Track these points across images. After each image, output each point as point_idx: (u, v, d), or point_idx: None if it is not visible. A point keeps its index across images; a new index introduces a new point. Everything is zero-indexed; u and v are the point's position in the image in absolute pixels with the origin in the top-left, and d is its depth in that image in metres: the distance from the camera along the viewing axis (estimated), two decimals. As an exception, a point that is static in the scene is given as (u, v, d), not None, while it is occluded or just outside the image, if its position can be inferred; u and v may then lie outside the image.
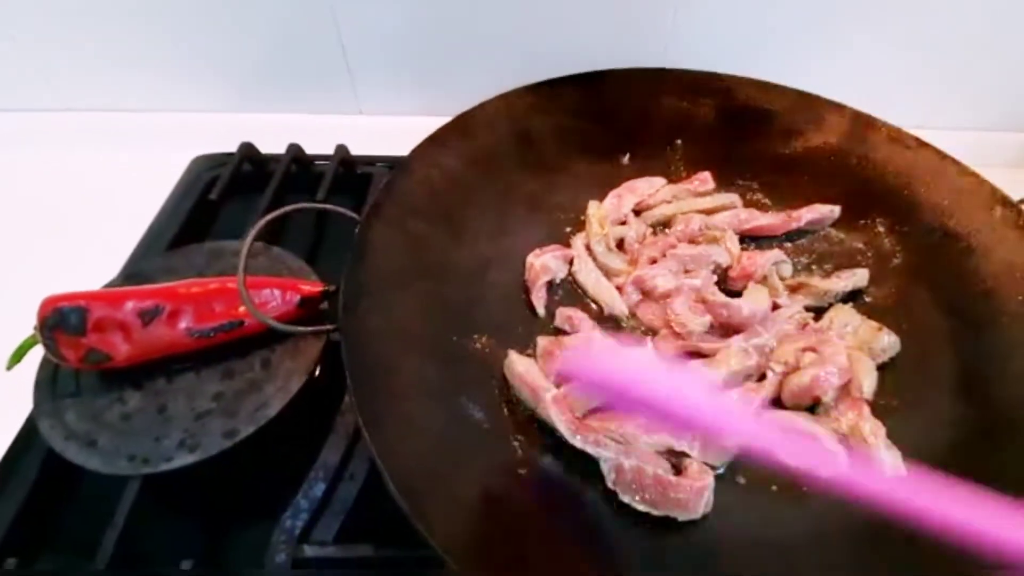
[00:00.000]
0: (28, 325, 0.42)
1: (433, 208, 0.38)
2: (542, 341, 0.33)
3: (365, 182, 0.55)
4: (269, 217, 0.35)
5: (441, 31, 0.56)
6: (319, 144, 0.56)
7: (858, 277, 0.38)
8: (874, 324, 0.36)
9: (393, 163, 0.56)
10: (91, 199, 0.55)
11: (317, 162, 0.56)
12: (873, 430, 0.30)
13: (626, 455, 0.27)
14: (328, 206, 0.41)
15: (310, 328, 0.33)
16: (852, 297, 0.39)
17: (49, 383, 0.34)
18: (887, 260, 0.40)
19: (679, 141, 0.47)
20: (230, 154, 0.57)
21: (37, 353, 0.34)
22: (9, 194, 0.56)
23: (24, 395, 0.35)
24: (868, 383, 0.32)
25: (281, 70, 0.61)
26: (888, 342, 0.35)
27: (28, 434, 0.35)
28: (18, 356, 0.33)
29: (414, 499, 0.23)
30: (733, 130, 0.46)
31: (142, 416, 0.33)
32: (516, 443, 0.29)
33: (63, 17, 0.56)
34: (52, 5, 0.55)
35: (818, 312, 0.38)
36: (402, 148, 0.56)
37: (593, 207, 0.41)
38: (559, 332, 0.36)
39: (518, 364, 0.31)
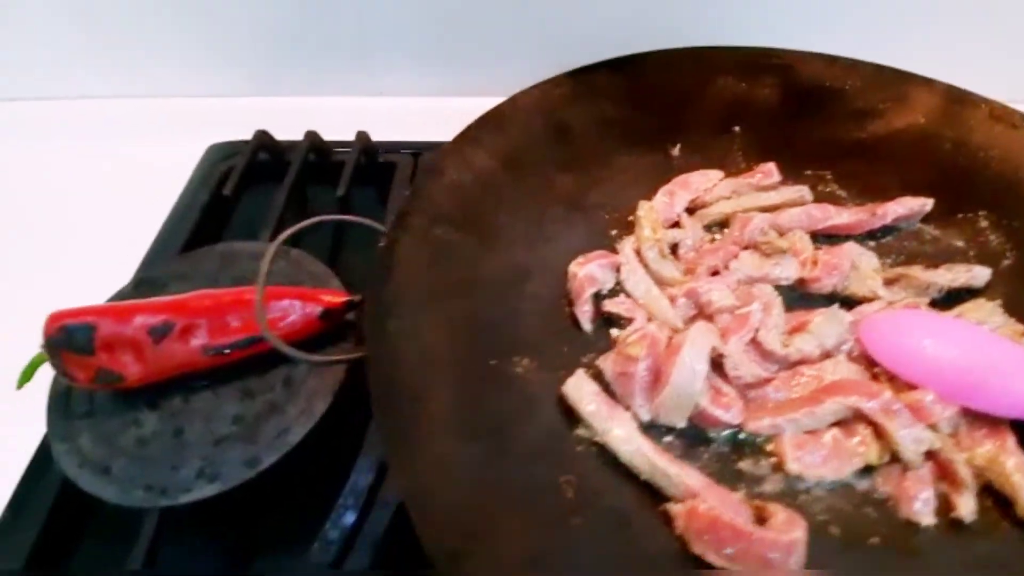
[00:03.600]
0: (35, 333, 0.40)
1: (463, 215, 0.34)
2: (608, 362, 0.29)
3: (388, 171, 0.51)
4: (290, 232, 0.32)
5: (465, 4, 0.52)
6: (336, 128, 0.52)
7: (975, 275, 0.33)
8: (1019, 327, 0.30)
9: (418, 149, 0.52)
10: (98, 192, 0.53)
11: (337, 150, 0.53)
12: (1019, 466, 0.25)
13: (703, 497, 0.24)
14: (351, 217, 0.38)
15: (335, 358, 0.30)
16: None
17: (62, 402, 0.32)
18: (995, 260, 0.34)
19: (737, 128, 0.41)
20: (247, 142, 0.54)
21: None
22: (9, 189, 0.54)
23: (39, 409, 0.34)
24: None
25: (295, 50, 0.57)
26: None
27: (44, 456, 0.34)
28: (28, 375, 0.31)
29: (453, 562, 0.20)
30: (799, 113, 0.41)
31: (158, 441, 0.31)
32: (566, 483, 0.25)
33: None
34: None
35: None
36: (425, 132, 0.53)
37: (643, 208, 0.37)
38: (610, 345, 0.32)
39: (586, 385, 0.28)
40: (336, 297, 0.34)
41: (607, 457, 0.27)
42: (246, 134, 0.53)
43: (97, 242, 0.48)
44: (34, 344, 0.40)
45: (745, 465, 0.28)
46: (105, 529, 0.32)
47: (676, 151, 0.41)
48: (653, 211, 0.36)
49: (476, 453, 0.25)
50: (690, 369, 0.27)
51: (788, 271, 0.34)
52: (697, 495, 0.24)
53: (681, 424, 0.29)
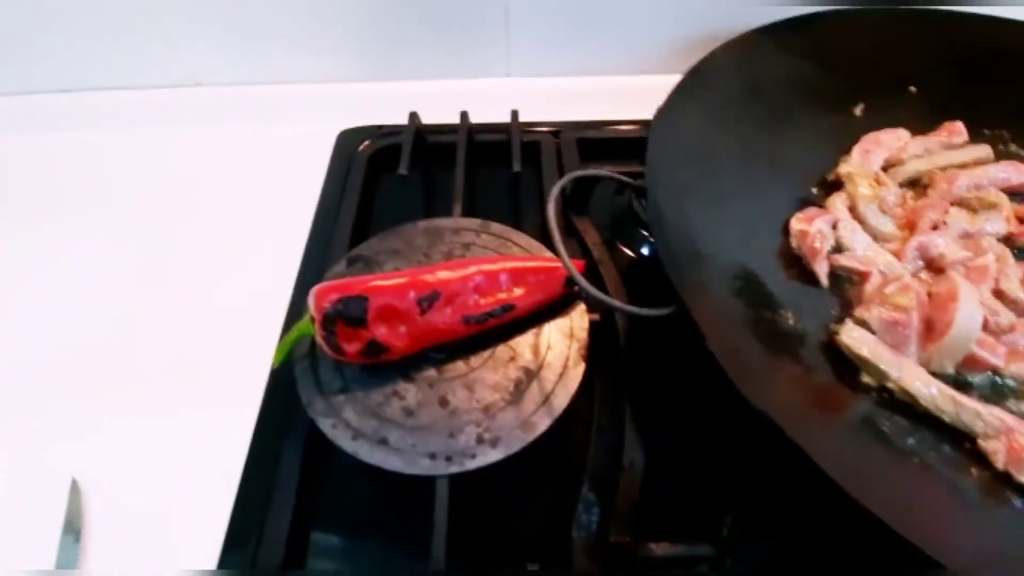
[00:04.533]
0: (201, 314, 0.41)
1: (693, 172, 0.35)
2: (874, 312, 0.30)
3: (533, 151, 0.51)
4: (556, 190, 0.32)
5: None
6: (449, 112, 0.50)
7: None
8: None
9: (556, 129, 0.52)
10: (229, 180, 0.51)
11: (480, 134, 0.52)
12: None
13: (1020, 431, 0.25)
14: (606, 172, 0.38)
15: (661, 310, 0.29)
16: None
17: (311, 378, 0.32)
18: None
19: (912, 88, 0.43)
20: (379, 126, 0.54)
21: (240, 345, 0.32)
22: (149, 176, 0.52)
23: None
24: None
25: (406, 31, 0.56)
26: None
27: (276, 427, 0.34)
28: (284, 351, 0.31)
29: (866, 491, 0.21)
30: (973, 74, 0.42)
31: (426, 410, 0.31)
32: (885, 428, 0.27)
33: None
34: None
35: None
36: (556, 112, 0.53)
37: (853, 165, 0.37)
38: (849, 304, 0.33)
39: (865, 334, 0.29)
40: (574, 263, 0.34)
41: (892, 404, 0.28)
42: (358, 120, 0.53)
43: (245, 223, 0.47)
44: (212, 330, 0.41)
45: (1013, 405, 0.29)
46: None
47: (859, 111, 0.42)
48: (864, 168, 0.37)
49: (809, 403, 0.26)
50: (970, 316, 0.29)
51: (997, 226, 0.36)
52: (1013, 430, 0.26)
53: (950, 370, 0.30)
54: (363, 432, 0.30)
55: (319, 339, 0.30)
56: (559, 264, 0.34)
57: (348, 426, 0.30)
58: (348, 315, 0.29)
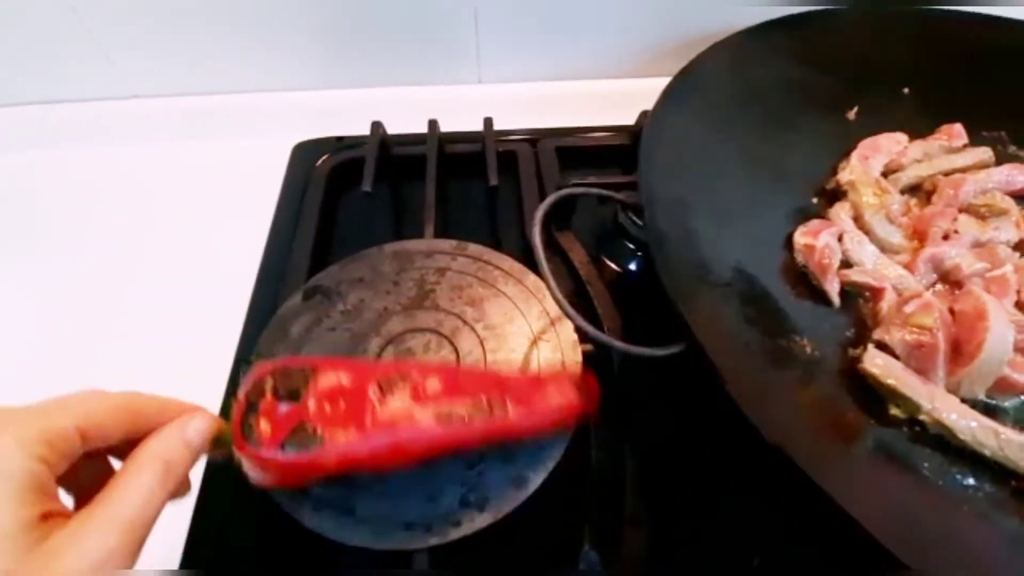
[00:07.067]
0: (131, 364, 0.35)
1: (690, 184, 0.31)
2: (896, 335, 0.27)
3: (510, 161, 0.48)
4: (542, 210, 0.28)
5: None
6: (415, 121, 0.46)
7: None
8: None
9: (533, 138, 0.48)
10: (170, 201, 0.46)
11: (451, 144, 0.48)
12: None
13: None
14: (605, 192, 0.34)
15: (670, 349, 0.24)
16: None
17: (262, 438, 0.27)
18: None
19: (906, 90, 0.41)
20: (339, 138, 0.49)
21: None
22: (88, 196, 0.46)
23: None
24: None
25: (367, 35, 0.52)
26: None
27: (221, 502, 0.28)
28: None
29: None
30: (970, 74, 0.40)
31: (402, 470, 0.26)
32: (926, 467, 0.24)
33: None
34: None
35: None
36: (532, 119, 0.50)
37: (855, 172, 0.35)
38: (864, 324, 0.30)
39: (890, 362, 0.26)
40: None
41: (923, 437, 0.26)
42: (316, 131, 0.49)
43: (190, 249, 0.42)
44: (146, 381, 0.35)
45: (1050, 431, 0.27)
46: None
47: (852, 114, 0.40)
48: (866, 175, 0.35)
49: (839, 444, 0.22)
50: (1002, 337, 0.26)
51: (1008, 233, 0.34)
52: (1064, 467, 0.23)
53: (981, 395, 0.27)
54: (326, 501, 0.25)
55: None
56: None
57: (309, 496, 0.25)
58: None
